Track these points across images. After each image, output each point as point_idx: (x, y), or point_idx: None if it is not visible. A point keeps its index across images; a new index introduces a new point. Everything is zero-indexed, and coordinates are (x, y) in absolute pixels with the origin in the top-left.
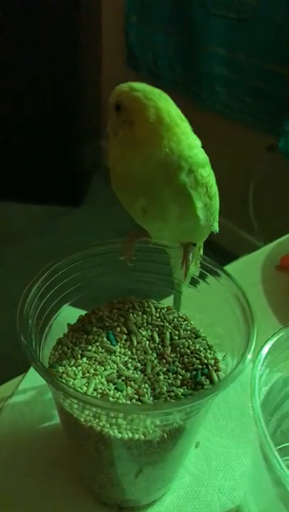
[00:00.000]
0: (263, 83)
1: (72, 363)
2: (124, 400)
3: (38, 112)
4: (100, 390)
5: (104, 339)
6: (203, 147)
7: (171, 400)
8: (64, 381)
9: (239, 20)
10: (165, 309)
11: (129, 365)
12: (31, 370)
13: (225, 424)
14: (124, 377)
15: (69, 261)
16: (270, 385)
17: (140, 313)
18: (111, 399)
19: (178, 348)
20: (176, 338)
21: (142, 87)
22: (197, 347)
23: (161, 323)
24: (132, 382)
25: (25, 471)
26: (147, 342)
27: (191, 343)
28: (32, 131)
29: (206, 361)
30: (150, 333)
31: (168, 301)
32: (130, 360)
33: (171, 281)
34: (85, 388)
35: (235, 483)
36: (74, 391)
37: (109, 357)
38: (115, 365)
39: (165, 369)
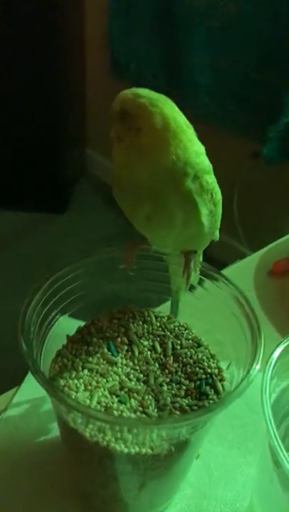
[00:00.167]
0: (246, 90)
1: (73, 375)
2: (128, 413)
3: (22, 119)
4: (104, 403)
5: (105, 350)
6: None
7: (176, 412)
8: (66, 394)
9: (221, 28)
10: (166, 318)
11: (132, 376)
12: (25, 382)
13: (225, 433)
14: (126, 389)
15: (69, 270)
16: (279, 392)
17: (141, 322)
18: (115, 412)
19: (180, 358)
20: (178, 347)
21: (146, 93)
22: (200, 356)
23: (163, 333)
24: (135, 394)
25: (22, 488)
26: (149, 352)
27: (194, 352)
28: (16, 138)
29: (209, 371)
30: (151, 343)
31: (164, 308)
32: (132, 371)
33: (168, 289)
34: (88, 401)
35: (238, 494)
36: (78, 404)
37: (110, 368)
38: (117, 377)
39: (168, 379)
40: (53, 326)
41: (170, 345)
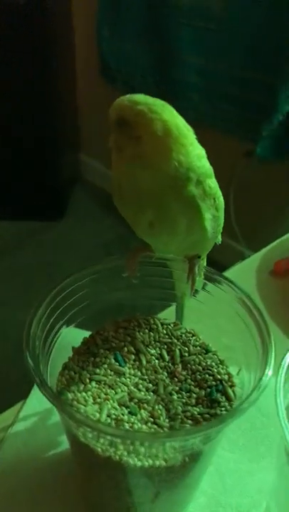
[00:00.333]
0: (236, 89)
1: (81, 388)
2: (139, 425)
3: (13, 127)
4: (114, 416)
5: (112, 361)
6: None
7: (188, 421)
8: (75, 408)
9: (209, 29)
10: (172, 325)
11: (141, 386)
12: (31, 395)
13: (235, 438)
14: (136, 400)
15: (72, 281)
16: None
17: (147, 330)
18: (126, 424)
19: (189, 365)
20: (186, 354)
21: (143, 99)
22: (209, 362)
23: (170, 340)
24: (145, 405)
25: (31, 505)
26: (157, 361)
27: (202, 358)
28: (8, 147)
29: (219, 377)
30: (159, 351)
31: (167, 314)
32: (141, 381)
33: (172, 295)
34: (97, 415)
35: (253, 501)
36: (88, 419)
37: (118, 379)
38: (126, 388)
39: (178, 388)
40: (58, 338)
41: (178, 352)
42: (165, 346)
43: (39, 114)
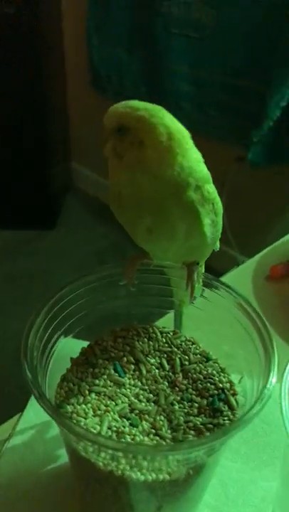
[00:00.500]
0: (226, 97)
1: (80, 400)
2: (141, 437)
3: (3, 137)
4: (115, 428)
5: (112, 371)
6: None
7: (190, 431)
8: (75, 421)
9: (199, 38)
10: (171, 333)
11: (141, 397)
12: (28, 408)
13: (237, 446)
14: (137, 411)
15: (69, 291)
16: None
17: (146, 339)
18: (127, 436)
19: (190, 374)
20: (187, 363)
21: (142, 105)
22: (210, 371)
23: (169, 349)
24: (147, 416)
25: None
26: (157, 370)
27: (203, 367)
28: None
29: (221, 385)
30: (159, 361)
31: (166, 322)
32: (141, 391)
33: (170, 303)
34: (98, 427)
35: (256, 510)
36: (88, 433)
37: (119, 390)
38: (126, 399)
39: (179, 397)
40: (56, 348)
41: (178, 361)
42: (165, 355)
43: (29, 124)
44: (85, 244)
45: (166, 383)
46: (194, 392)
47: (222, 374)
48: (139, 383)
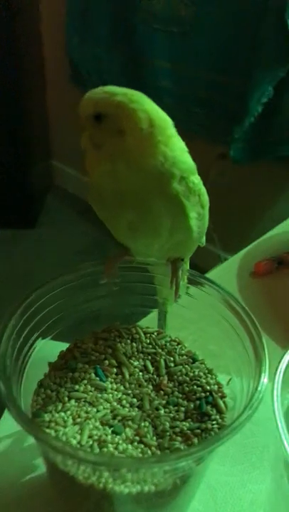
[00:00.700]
0: (208, 93)
1: (59, 407)
2: (124, 445)
3: None
4: (96, 437)
5: (93, 375)
6: None
7: (177, 438)
8: (53, 431)
9: (180, 33)
10: (155, 334)
11: (124, 402)
12: (5, 415)
13: (225, 449)
14: (120, 417)
15: (45, 290)
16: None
17: (128, 341)
18: (110, 445)
19: (175, 376)
20: (172, 364)
21: (120, 90)
22: (196, 373)
23: (153, 350)
24: (130, 422)
25: None
26: (140, 373)
27: (189, 368)
28: None
29: (208, 388)
30: (142, 363)
31: (149, 322)
32: (124, 396)
33: (154, 301)
34: (78, 437)
35: None
36: (65, 446)
37: (100, 395)
38: (108, 405)
39: (164, 402)
40: (33, 352)
41: (163, 363)
42: (149, 357)
43: (8, 122)
44: (67, 244)
45: (151, 387)
46: (180, 396)
47: (209, 375)
48: (122, 387)
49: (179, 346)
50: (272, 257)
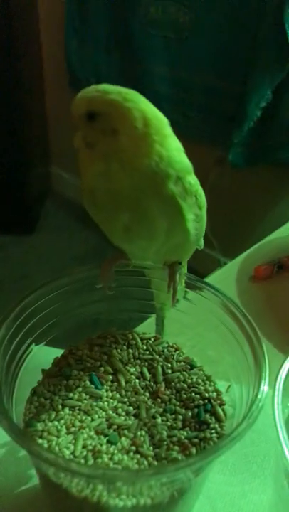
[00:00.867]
0: (206, 98)
1: (52, 416)
2: (120, 455)
3: None
4: (90, 447)
5: (88, 383)
6: None
7: (174, 447)
8: (46, 441)
9: (178, 39)
10: (152, 339)
11: (120, 410)
12: None
13: (225, 458)
14: (116, 426)
15: (39, 295)
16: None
17: (125, 347)
18: (105, 456)
19: (173, 384)
20: (169, 371)
21: (114, 88)
22: (194, 379)
23: (150, 356)
24: (126, 431)
25: None
26: (137, 380)
27: (187, 375)
28: None
29: (206, 395)
30: (139, 370)
31: (146, 328)
32: (120, 404)
33: (151, 306)
34: (72, 447)
35: None
36: (57, 458)
37: (95, 404)
38: (104, 413)
39: (161, 410)
40: (26, 358)
41: (160, 369)
42: (146, 363)
43: (6, 127)
44: (65, 250)
45: (148, 394)
46: (178, 403)
47: (208, 382)
48: (118, 395)
49: (177, 352)
50: (272, 261)
